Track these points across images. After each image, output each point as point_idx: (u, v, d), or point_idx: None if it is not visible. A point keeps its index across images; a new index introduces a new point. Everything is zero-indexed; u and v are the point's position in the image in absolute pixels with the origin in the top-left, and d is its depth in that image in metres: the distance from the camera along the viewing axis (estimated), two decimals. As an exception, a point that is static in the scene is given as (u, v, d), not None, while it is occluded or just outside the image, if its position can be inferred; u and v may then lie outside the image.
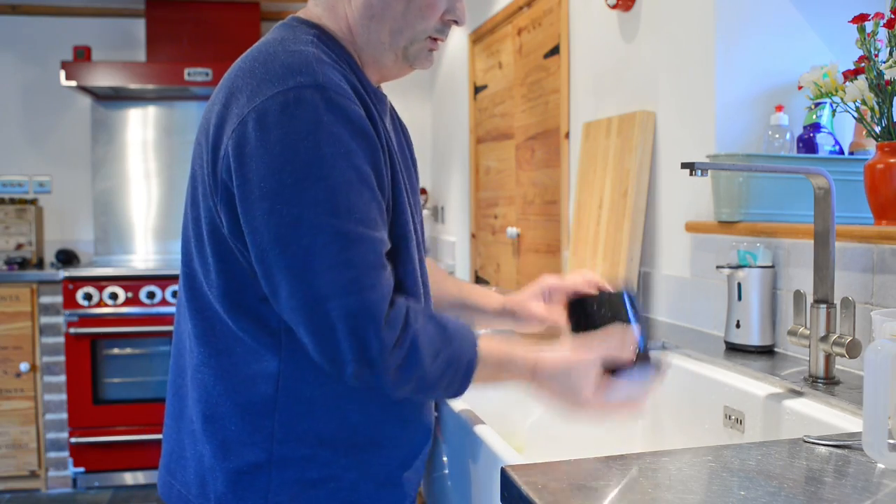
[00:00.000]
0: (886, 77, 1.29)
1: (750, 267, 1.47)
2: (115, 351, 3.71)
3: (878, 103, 1.33)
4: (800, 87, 1.56)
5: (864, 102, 1.36)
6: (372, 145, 0.94)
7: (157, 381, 3.74)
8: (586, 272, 1.21)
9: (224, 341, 1.00)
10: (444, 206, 4.27)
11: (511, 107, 3.14)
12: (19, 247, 4.03)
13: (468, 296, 1.31)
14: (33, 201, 4.10)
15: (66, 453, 3.68)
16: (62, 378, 3.66)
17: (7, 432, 3.62)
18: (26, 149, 4.20)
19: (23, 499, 3.61)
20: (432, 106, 4.58)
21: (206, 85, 3.78)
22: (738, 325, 1.48)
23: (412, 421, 1.07)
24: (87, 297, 3.61)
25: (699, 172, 1.16)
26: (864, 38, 1.34)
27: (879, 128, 1.33)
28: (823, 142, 1.61)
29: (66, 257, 3.97)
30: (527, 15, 2.93)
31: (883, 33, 1.33)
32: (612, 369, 1.04)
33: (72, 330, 3.61)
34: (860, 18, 1.33)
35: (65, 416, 3.67)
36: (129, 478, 3.72)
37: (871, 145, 1.56)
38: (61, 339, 3.65)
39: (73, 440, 3.63)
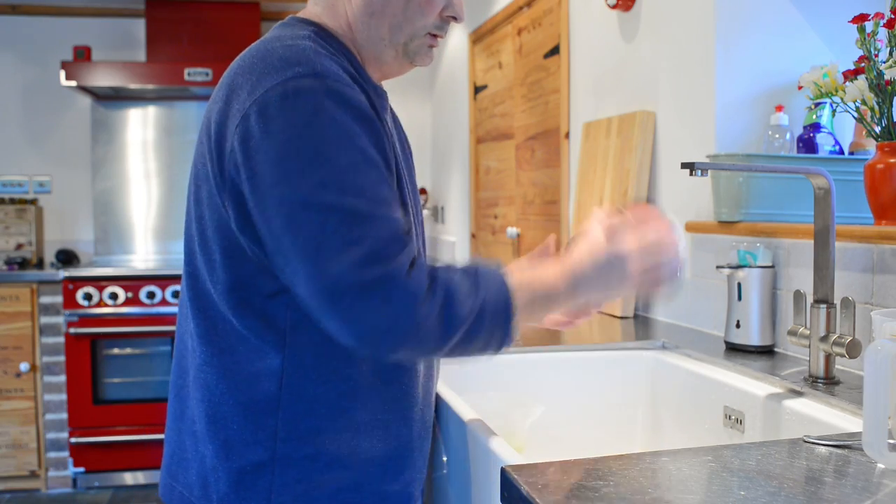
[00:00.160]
0: (886, 77, 1.29)
1: (750, 267, 1.47)
2: (115, 351, 3.71)
3: (878, 103, 1.33)
4: (800, 87, 1.56)
5: (864, 102, 1.36)
6: (375, 130, 0.94)
7: (156, 381, 3.74)
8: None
9: (227, 340, 1.00)
10: (444, 206, 4.27)
11: (511, 107, 3.14)
12: (19, 247, 4.03)
13: None
14: (33, 201, 4.10)
15: (66, 453, 3.68)
16: (62, 378, 3.66)
17: (7, 432, 3.62)
18: (26, 149, 4.20)
19: (23, 499, 3.61)
20: (432, 106, 4.58)
21: (206, 85, 3.78)
22: (738, 325, 1.48)
23: (415, 419, 1.07)
24: (87, 297, 3.61)
25: (699, 172, 1.16)
26: (864, 38, 1.34)
27: (879, 128, 1.33)
28: (823, 142, 1.60)
29: (66, 257, 3.97)
30: (527, 15, 2.93)
31: (883, 33, 1.33)
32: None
33: (72, 330, 3.61)
34: (860, 18, 1.33)
35: (65, 416, 3.67)
36: (129, 478, 3.72)
37: (871, 145, 1.56)
38: (61, 339, 3.65)
39: (73, 440, 3.63)
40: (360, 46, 1.06)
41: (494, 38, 3.34)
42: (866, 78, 1.34)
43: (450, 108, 4.15)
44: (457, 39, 3.90)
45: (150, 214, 4.29)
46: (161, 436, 3.42)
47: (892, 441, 0.79)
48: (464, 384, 1.42)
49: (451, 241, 4.05)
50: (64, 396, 3.67)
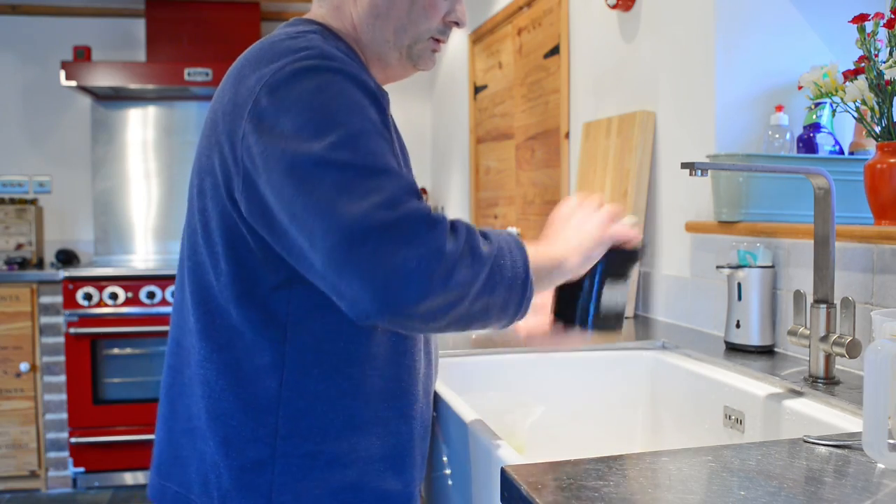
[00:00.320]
0: (886, 77, 1.29)
1: (750, 267, 1.47)
2: (115, 351, 3.71)
3: (878, 103, 1.33)
4: (800, 87, 1.56)
5: (864, 102, 1.36)
6: (382, 110, 0.95)
7: (157, 381, 3.73)
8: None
9: (226, 335, 1.00)
10: (444, 206, 4.27)
11: (511, 107, 3.14)
12: (19, 247, 4.03)
13: None
14: (33, 201, 4.10)
15: (66, 453, 3.68)
16: (62, 378, 3.66)
17: (7, 432, 3.62)
18: (26, 149, 4.20)
19: (23, 499, 3.61)
20: (432, 106, 4.58)
21: (206, 85, 3.78)
22: (738, 325, 1.48)
23: (415, 417, 1.07)
24: (87, 297, 3.61)
25: (699, 172, 1.16)
26: (864, 38, 1.34)
27: (879, 128, 1.33)
28: (823, 142, 1.60)
29: (66, 257, 3.97)
30: (527, 15, 2.93)
31: (883, 33, 1.33)
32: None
33: (72, 330, 3.61)
34: (860, 18, 1.33)
35: (65, 416, 3.67)
36: (129, 478, 3.72)
37: (871, 145, 1.56)
38: (61, 339, 3.65)
39: (73, 440, 3.63)
40: (365, 48, 1.07)
41: (494, 38, 3.34)
42: (866, 78, 1.34)
43: (450, 108, 4.15)
44: (457, 39, 3.90)
45: (150, 214, 4.29)
46: (161, 436, 3.42)
47: (892, 441, 0.79)
48: (464, 384, 1.42)
49: (451, 241, 4.05)
50: (64, 396, 3.67)
